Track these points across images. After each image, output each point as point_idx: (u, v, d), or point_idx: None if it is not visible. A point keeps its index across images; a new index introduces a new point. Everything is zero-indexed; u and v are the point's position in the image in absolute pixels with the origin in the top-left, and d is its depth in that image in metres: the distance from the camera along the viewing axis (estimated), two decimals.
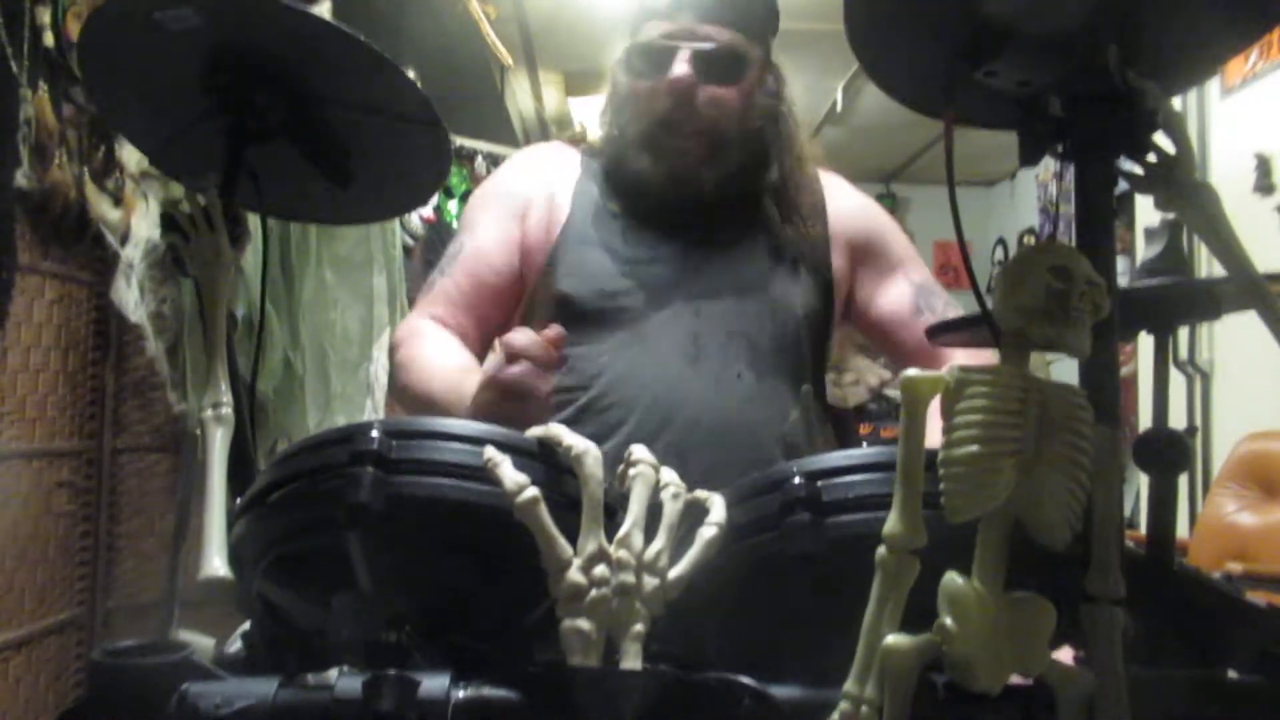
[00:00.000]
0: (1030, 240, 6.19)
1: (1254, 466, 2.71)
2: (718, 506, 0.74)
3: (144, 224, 2.32)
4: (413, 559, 0.72)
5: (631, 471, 0.72)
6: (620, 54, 1.40)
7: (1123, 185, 0.76)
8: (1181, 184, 0.71)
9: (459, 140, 3.46)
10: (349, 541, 0.69)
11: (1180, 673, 0.75)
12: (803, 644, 0.72)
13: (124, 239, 2.32)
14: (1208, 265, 2.78)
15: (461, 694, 0.65)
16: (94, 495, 2.43)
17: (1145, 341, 0.90)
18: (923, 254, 1.50)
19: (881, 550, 0.60)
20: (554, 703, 0.65)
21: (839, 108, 5.03)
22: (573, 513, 0.69)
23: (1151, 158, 0.72)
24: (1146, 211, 3.29)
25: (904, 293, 1.40)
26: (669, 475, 0.74)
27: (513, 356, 1.01)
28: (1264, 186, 3.04)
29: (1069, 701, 0.62)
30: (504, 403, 1.01)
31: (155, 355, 2.40)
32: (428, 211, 3.38)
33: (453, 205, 3.53)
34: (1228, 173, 3.12)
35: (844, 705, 0.60)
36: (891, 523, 0.60)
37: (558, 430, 0.73)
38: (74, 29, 2.05)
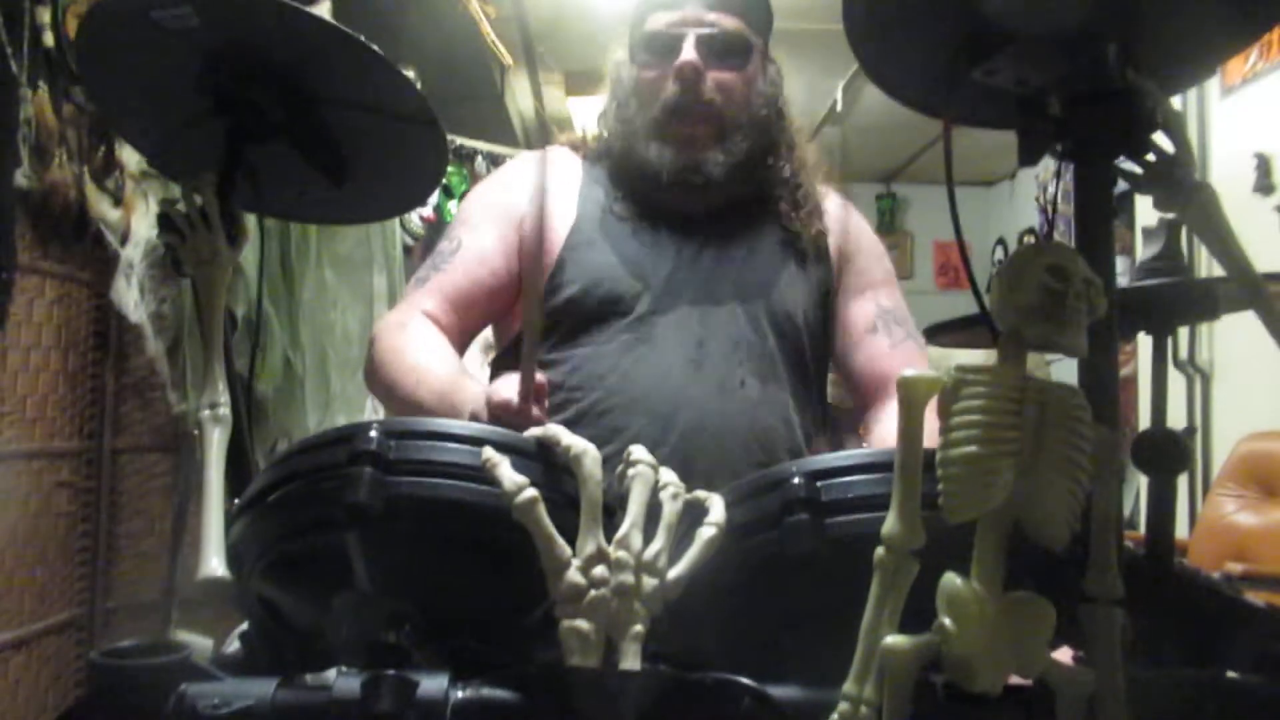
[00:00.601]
0: (1030, 240, 6.18)
1: (1253, 466, 2.71)
2: (717, 507, 0.74)
3: (144, 224, 2.32)
4: (412, 559, 0.72)
5: (630, 472, 0.72)
6: (622, 50, 1.40)
7: (1122, 185, 0.76)
8: (1181, 184, 0.71)
9: (459, 140, 3.46)
10: (348, 542, 0.69)
11: (1180, 673, 0.75)
12: (802, 644, 0.72)
13: (124, 239, 2.32)
14: (1207, 265, 2.78)
15: (460, 694, 0.65)
16: (94, 495, 2.43)
17: (1145, 341, 0.90)
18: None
19: (880, 550, 0.60)
20: (553, 703, 0.65)
21: (839, 108, 5.03)
22: (571, 513, 0.69)
23: (1151, 157, 0.72)
24: (1146, 211, 3.29)
25: (867, 311, 1.39)
26: (668, 475, 0.74)
27: (496, 413, 0.98)
28: (1264, 186, 3.03)
29: (1068, 702, 0.62)
30: None
31: (155, 355, 2.40)
32: (428, 211, 3.38)
33: (453, 205, 3.52)
34: (1228, 173, 3.12)
35: (843, 706, 0.60)
36: (890, 523, 0.60)
37: (556, 431, 0.73)
38: (74, 29, 2.05)
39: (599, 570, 0.67)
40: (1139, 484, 3.47)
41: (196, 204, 0.98)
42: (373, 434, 0.70)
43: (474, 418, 1.02)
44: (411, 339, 1.27)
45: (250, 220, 1.10)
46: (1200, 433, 3.26)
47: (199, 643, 0.72)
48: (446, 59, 3.54)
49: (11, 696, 2.11)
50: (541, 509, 0.67)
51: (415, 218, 3.32)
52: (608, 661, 0.67)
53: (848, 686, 0.60)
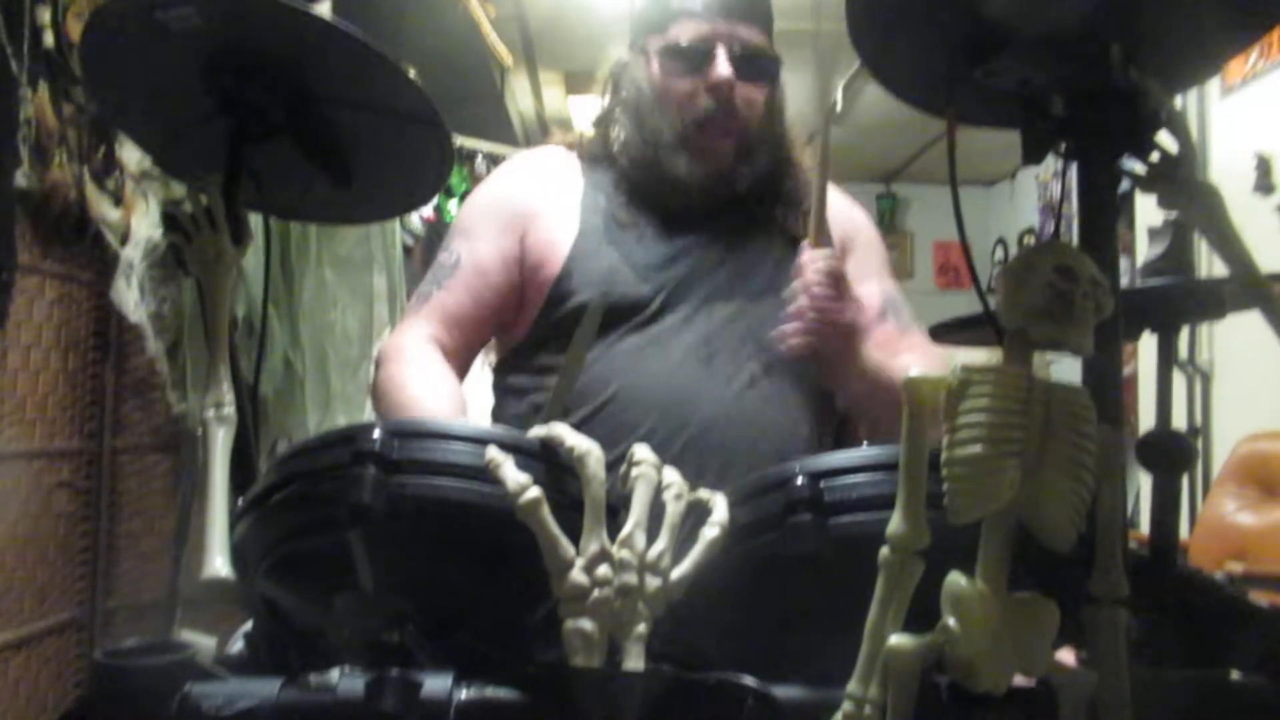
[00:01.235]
0: (1030, 240, 6.18)
1: (1254, 467, 2.71)
2: (720, 506, 0.74)
3: (144, 224, 2.32)
4: (415, 559, 0.72)
5: (634, 472, 0.72)
6: (624, 51, 1.40)
7: (1123, 185, 0.76)
8: (1184, 183, 0.71)
9: (459, 140, 3.46)
10: (351, 542, 0.69)
11: (1183, 673, 0.75)
12: (805, 644, 0.72)
13: (124, 239, 2.32)
14: (1210, 265, 2.78)
15: (464, 694, 0.65)
16: (94, 495, 2.42)
17: (1147, 341, 0.90)
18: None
19: (884, 551, 0.60)
20: (556, 703, 0.65)
21: (839, 108, 5.03)
22: (575, 513, 0.69)
23: (1154, 157, 0.72)
24: (1148, 211, 3.29)
25: (873, 297, 1.39)
26: (671, 475, 0.74)
27: None
28: (1264, 186, 3.03)
29: (1072, 702, 0.62)
30: None
31: (155, 355, 2.40)
32: (428, 211, 3.37)
33: (453, 205, 3.52)
34: (1228, 173, 3.12)
35: (847, 706, 0.60)
36: (894, 523, 0.60)
37: (560, 430, 0.73)
38: (74, 29, 2.04)
39: (602, 570, 0.67)
40: (1140, 484, 3.48)
41: (202, 204, 0.98)
42: (376, 434, 0.70)
43: None
44: (414, 372, 1.27)
45: (252, 220, 1.10)
46: (1201, 433, 3.27)
47: (203, 643, 0.72)
48: (446, 59, 3.54)
49: (12, 696, 2.11)
50: (545, 509, 0.67)
51: (415, 218, 3.32)
52: (611, 662, 0.67)
53: (852, 686, 0.60)
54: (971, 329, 1.02)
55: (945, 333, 1.11)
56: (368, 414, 2.78)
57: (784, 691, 0.66)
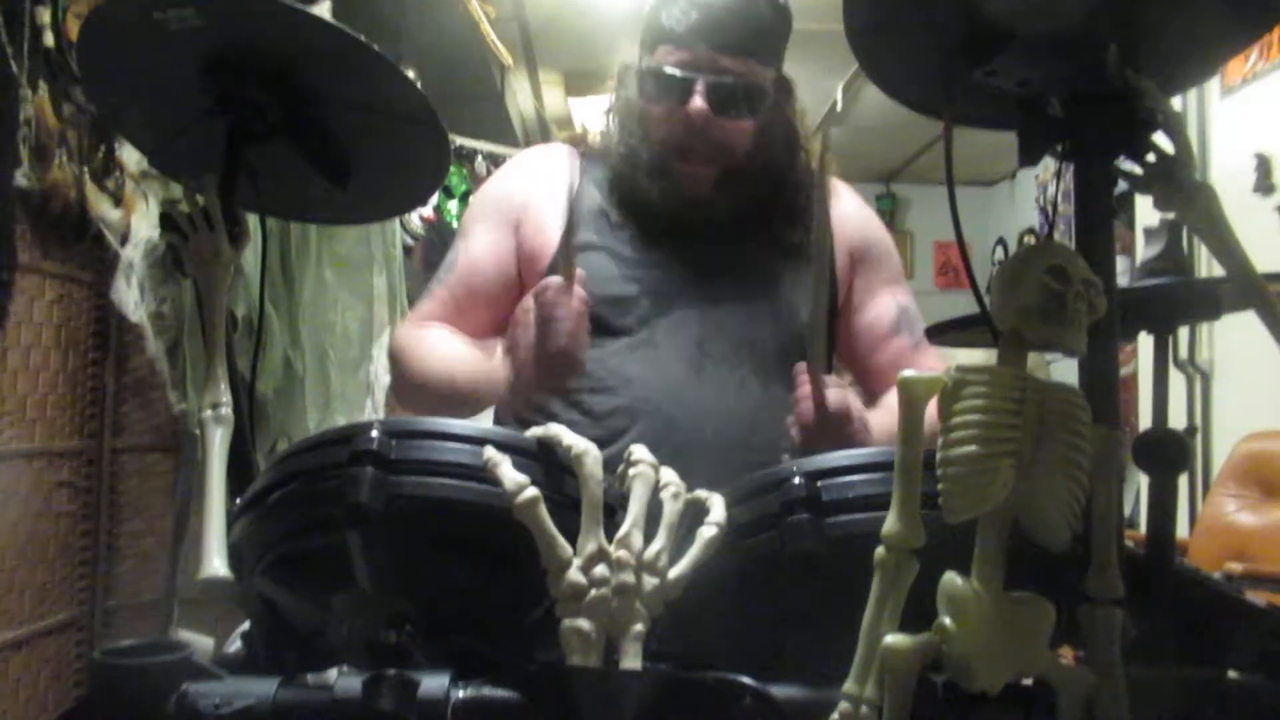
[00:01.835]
0: (1030, 240, 6.19)
1: (1254, 466, 2.71)
2: (718, 506, 0.74)
3: (144, 224, 2.32)
4: (413, 559, 0.72)
5: (631, 471, 0.73)
6: (630, 66, 1.39)
7: (1122, 185, 0.76)
8: (1181, 184, 0.71)
9: (459, 140, 3.46)
10: (349, 541, 0.69)
11: (1180, 672, 0.75)
12: (802, 643, 0.72)
13: (124, 239, 2.32)
14: (1207, 265, 2.78)
15: (461, 694, 0.65)
16: (94, 495, 2.42)
17: (1145, 341, 0.90)
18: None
19: (880, 550, 0.60)
20: (554, 703, 0.65)
21: (839, 108, 5.03)
22: (572, 513, 0.69)
23: (1151, 157, 0.72)
24: (1146, 211, 3.29)
25: (888, 311, 1.39)
26: (669, 475, 0.74)
27: (543, 301, 1.06)
28: (1264, 186, 3.03)
29: (1068, 701, 0.62)
30: (544, 323, 1.05)
31: (155, 355, 2.39)
32: (428, 211, 3.37)
33: (453, 205, 3.53)
34: (1228, 173, 3.12)
35: (844, 705, 0.60)
36: (890, 522, 0.60)
37: (557, 430, 0.73)
38: (74, 29, 2.04)
39: (600, 570, 0.67)
40: (1139, 484, 3.48)
41: (199, 204, 0.99)
42: (373, 433, 0.70)
43: (514, 325, 1.09)
44: (429, 333, 1.34)
45: (250, 220, 1.10)
46: (1200, 433, 3.26)
47: (201, 642, 0.72)
48: (446, 59, 3.54)
49: (11, 696, 2.11)
50: (542, 508, 0.67)
51: (415, 218, 3.32)
52: (608, 661, 0.67)
53: (848, 686, 0.60)
54: (968, 329, 1.02)
55: (942, 333, 1.11)
56: (368, 414, 2.78)
57: (781, 690, 0.67)
